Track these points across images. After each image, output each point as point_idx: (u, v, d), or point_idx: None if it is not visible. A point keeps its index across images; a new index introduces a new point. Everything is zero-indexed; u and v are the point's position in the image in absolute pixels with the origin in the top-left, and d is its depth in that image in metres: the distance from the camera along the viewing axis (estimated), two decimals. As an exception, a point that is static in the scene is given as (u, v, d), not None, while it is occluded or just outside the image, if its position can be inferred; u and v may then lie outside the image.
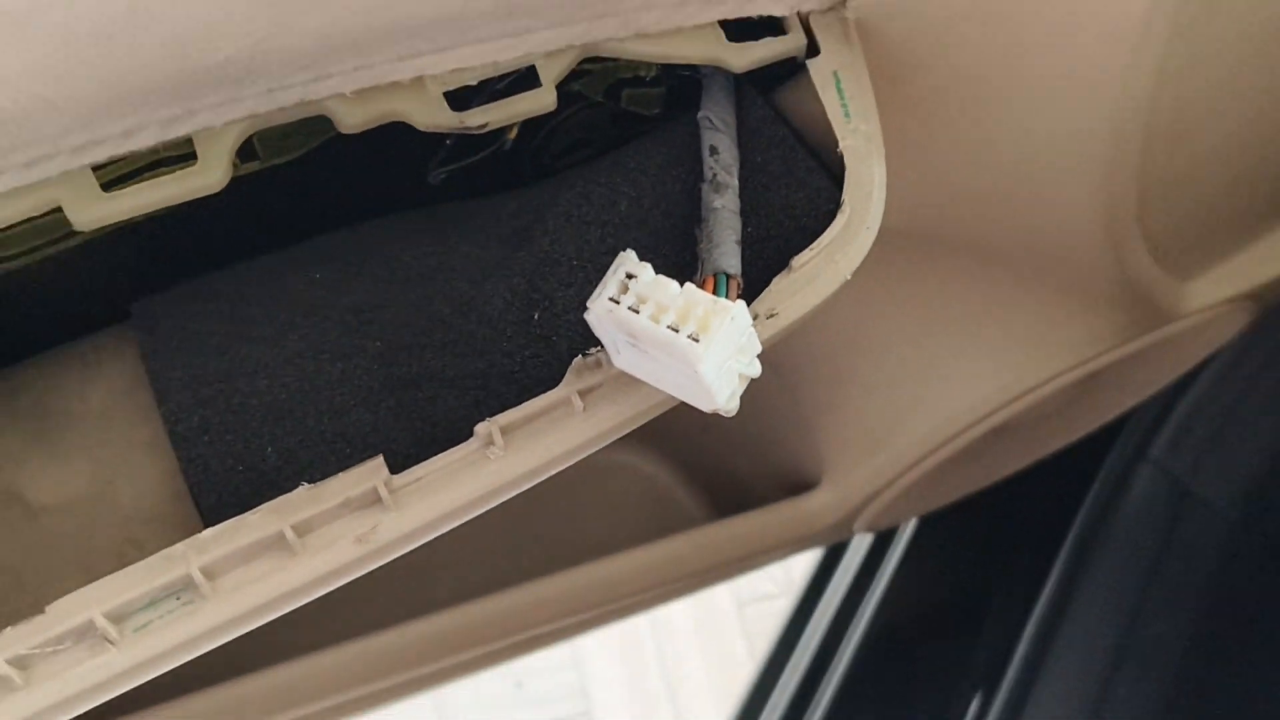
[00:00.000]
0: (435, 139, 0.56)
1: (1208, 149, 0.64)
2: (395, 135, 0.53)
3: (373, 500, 0.44)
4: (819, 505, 0.83)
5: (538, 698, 1.74)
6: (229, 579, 0.43)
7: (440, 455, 0.45)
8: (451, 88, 0.46)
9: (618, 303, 0.40)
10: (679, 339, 0.39)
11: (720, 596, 1.76)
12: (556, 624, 0.86)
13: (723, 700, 1.71)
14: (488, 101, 0.48)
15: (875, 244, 0.48)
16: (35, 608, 0.43)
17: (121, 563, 0.48)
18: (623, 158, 0.53)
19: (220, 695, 0.78)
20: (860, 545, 1.14)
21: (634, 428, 0.47)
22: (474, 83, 0.46)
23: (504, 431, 0.44)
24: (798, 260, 0.46)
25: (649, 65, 0.56)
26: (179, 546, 0.42)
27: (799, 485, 0.84)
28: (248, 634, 0.49)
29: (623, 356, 0.42)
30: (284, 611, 0.45)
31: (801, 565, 1.74)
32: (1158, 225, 0.67)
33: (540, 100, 0.47)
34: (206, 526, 0.48)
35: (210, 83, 0.42)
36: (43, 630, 0.42)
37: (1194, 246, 0.74)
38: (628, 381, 0.45)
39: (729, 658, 1.77)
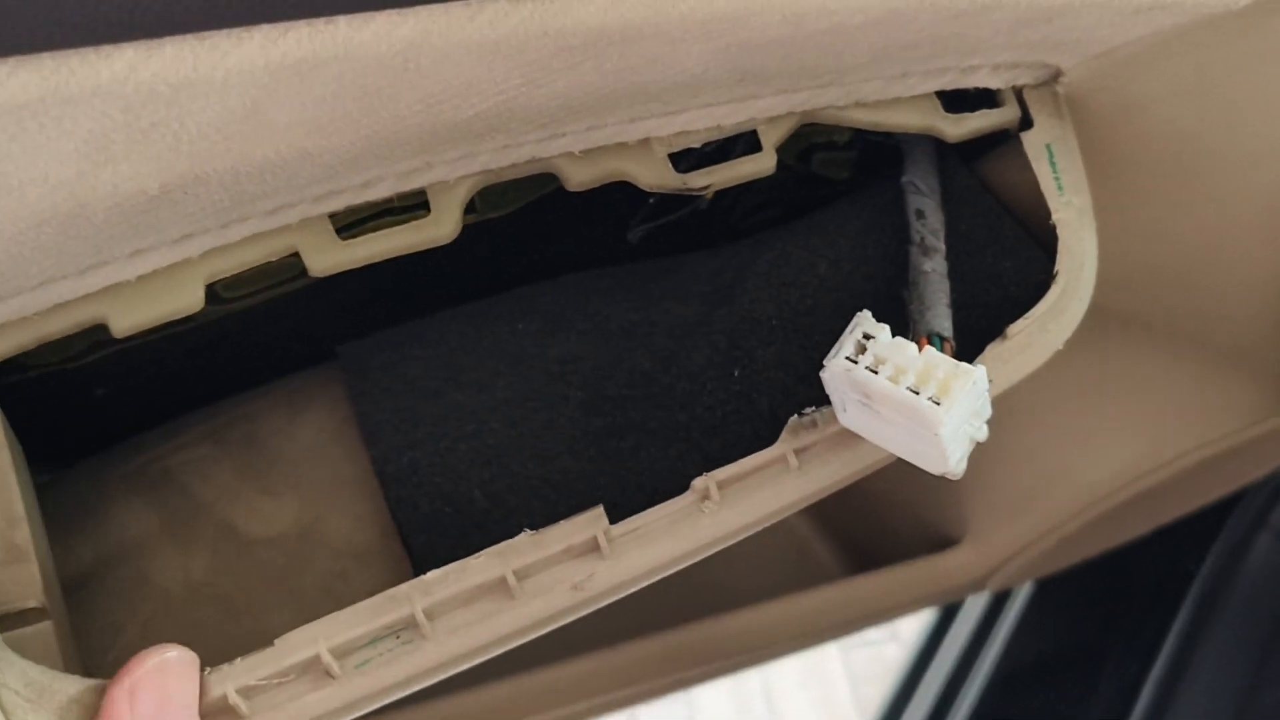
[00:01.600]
0: (636, 198, 0.54)
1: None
2: (597, 192, 0.52)
3: (591, 549, 0.42)
4: (959, 563, 0.80)
5: (649, 731, 1.71)
6: (448, 620, 0.42)
7: (657, 507, 0.43)
8: (675, 150, 0.45)
9: (855, 362, 0.38)
10: (921, 401, 0.37)
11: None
12: (690, 672, 0.84)
13: (825, 742, 1.69)
14: (698, 163, 0.47)
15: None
16: (249, 635, 0.42)
17: (330, 595, 0.47)
18: (820, 221, 0.51)
19: None
20: (978, 599, 1.11)
21: (845, 485, 0.45)
22: (697, 145, 0.45)
23: (720, 486, 0.43)
24: (1013, 328, 0.44)
25: (843, 130, 0.54)
26: (404, 587, 0.41)
27: (939, 542, 0.82)
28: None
29: (849, 415, 0.41)
30: (498, 653, 0.44)
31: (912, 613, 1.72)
32: (1321, 303, 0.64)
33: (761, 164, 0.45)
34: (414, 564, 0.46)
35: (453, 138, 0.41)
36: (271, 663, 0.40)
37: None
38: (841, 440, 0.43)
39: (833, 701, 1.73)
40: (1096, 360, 0.72)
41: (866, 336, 0.39)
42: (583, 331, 0.50)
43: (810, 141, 0.55)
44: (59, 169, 0.34)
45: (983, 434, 0.40)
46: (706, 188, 0.45)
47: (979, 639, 1.08)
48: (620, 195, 0.54)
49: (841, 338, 0.39)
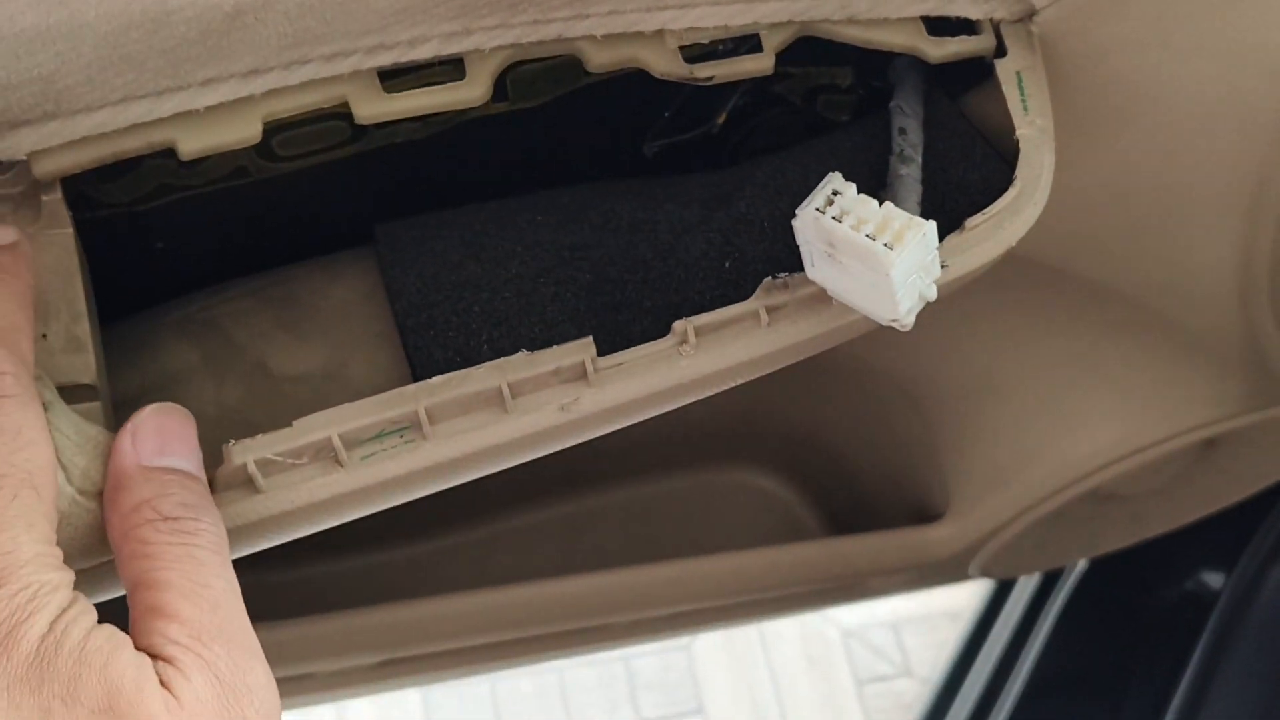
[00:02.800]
0: (653, 113, 0.60)
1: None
2: (619, 107, 0.58)
3: (579, 375, 0.47)
4: (940, 536, 0.84)
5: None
6: (448, 425, 0.47)
7: (640, 346, 0.48)
8: (685, 44, 0.50)
9: (823, 212, 0.43)
10: (875, 245, 0.42)
11: (841, 674, 1.78)
12: (666, 610, 0.87)
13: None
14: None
15: (1015, 282, 0.51)
16: None
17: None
18: (816, 143, 0.57)
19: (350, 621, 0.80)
20: (1004, 627, 1.14)
21: (809, 353, 0.49)
22: (705, 42, 0.50)
23: (698, 332, 0.48)
24: (970, 221, 0.49)
25: (845, 75, 0.60)
26: (410, 388, 0.46)
27: (924, 517, 0.86)
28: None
29: (816, 268, 0.45)
30: (488, 470, 0.48)
31: (919, 647, 1.76)
32: (1286, 295, 0.68)
33: (761, 63, 0.50)
34: None
35: (490, 4, 0.46)
36: (287, 440, 0.45)
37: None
38: (809, 304, 0.48)
39: None
40: (1077, 344, 0.77)
41: (835, 192, 0.44)
42: (595, 225, 0.55)
43: (816, 84, 0.60)
44: (152, -34, 0.40)
45: (932, 293, 0.45)
46: (710, 78, 0.50)
47: (1007, 662, 1.11)
48: (640, 113, 0.60)
49: (813, 192, 0.44)
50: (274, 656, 0.41)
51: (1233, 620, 1.05)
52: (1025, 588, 1.12)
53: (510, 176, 0.59)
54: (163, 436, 0.43)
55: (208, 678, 0.38)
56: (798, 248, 0.51)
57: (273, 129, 0.48)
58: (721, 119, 0.60)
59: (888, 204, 0.43)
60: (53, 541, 0.39)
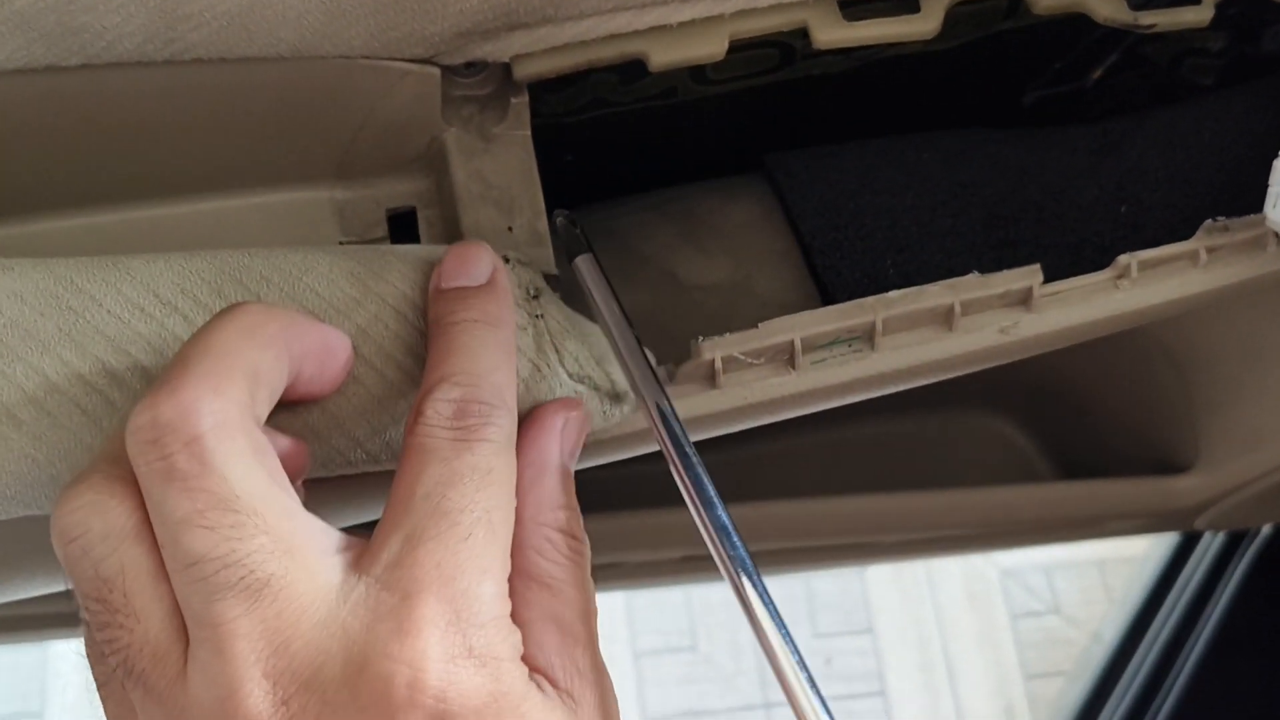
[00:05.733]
0: (1034, 68, 0.55)
1: None
2: (1001, 59, 0.53)
3: (1022, 299, 0.43)
4: (1186, 487, 0.79)
5: (843, 674, 1.75)
6: (894, 339, 0.43)
7: (1078, 277, 0.43)
8: (1128, -7, 0.45)
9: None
10: None
11: (998, 610, 1.74)
12: (905, 535, 0.83)
13: (991, 691, 1.72)
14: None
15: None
16: (682, 360, 0.43)
17: (756, 335, 0.48)
18: (1205, 100, 0.52)
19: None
20: (1198, 566, 1.07)
21: (1230, 297, 0.45)
22: (1148, -8, 0.45)
23: (1140, 266, 0.43)
24: None
25: (1219, 39, 0.54)
26: (869, 300, 0.42)
27: (1164, 469, 0.80)
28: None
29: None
30: (914, 384, 0.44)
31: (1068, 589, 1.71)
32: None
33: (1200, 15, 0.45)
34: None
35: (964, -60, 0.42)
36: (753, 340, 0.42)
37: None
38: (1246, 250, 0.43)
39: (1000, 660, 1.77)
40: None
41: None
42: (981, 165, 0.51)
43: (1187, 46, 0.55)
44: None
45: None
46: (1152, 26, 0.45)
47: (1191, 614, 1.04)
48: (1014, 67, 0.55)
49: None
50: (596, 545, 0.37)
51: None
52: (1210, 544, 1.06)
53: (895, 116, 0.55)
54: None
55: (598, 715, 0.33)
56: (1193, 196, 0.46)
57: (719, 49, 0.44)
58: (1097, 74, 0.55)
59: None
60: (505, 584, 0.32)
